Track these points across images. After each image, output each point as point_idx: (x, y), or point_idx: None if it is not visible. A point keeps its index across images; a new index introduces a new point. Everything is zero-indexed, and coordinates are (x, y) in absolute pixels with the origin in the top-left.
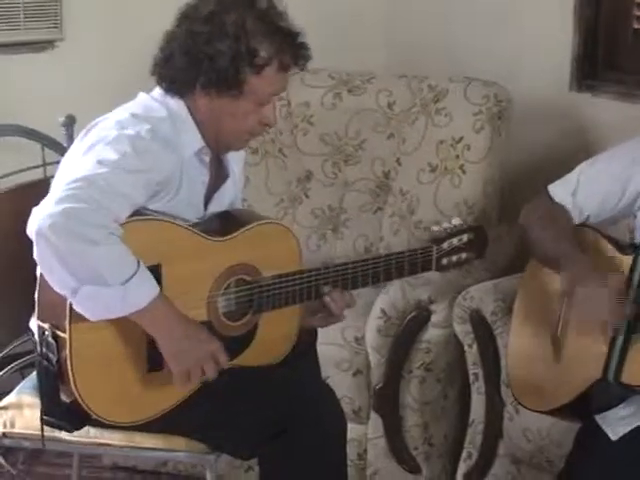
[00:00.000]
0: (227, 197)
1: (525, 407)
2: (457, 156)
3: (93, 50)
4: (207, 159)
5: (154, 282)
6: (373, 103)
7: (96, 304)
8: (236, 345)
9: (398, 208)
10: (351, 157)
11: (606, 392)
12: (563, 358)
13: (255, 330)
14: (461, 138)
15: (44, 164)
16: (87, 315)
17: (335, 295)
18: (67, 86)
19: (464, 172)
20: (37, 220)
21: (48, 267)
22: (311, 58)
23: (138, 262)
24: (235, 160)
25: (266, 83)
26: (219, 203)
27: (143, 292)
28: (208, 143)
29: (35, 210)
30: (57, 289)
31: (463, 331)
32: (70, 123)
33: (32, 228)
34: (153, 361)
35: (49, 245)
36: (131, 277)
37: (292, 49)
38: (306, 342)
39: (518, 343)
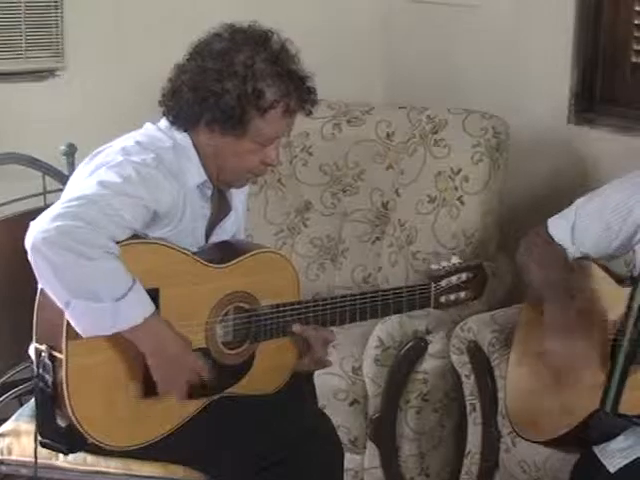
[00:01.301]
0: (229, 231)
1: (523, 438)
2: (455, 187)
3: (94, 79)
4: (209, 193)
5: (149, 301)
6: (372, 134)
7: (87, 319)
8: (233, 373)
9: (396, 238)
10: (350, 187)
11: (604, 423)
12: (562, 389)
13: (252, 359)
14: (460, 170)
15: (44, 192)
16: (78, 330)
17: (309, 331)
18: (68, 115)
19: (462, 203)
20: (32, 234)
21: (44, 279)
22: (317, 103)
23: (134, 279)
24: (238, 194)
25: (270, 125)
26: (220, 237)
27: (136, 310)
28: (210, 178)
29: (32, 224)
30: (55, 301)
31: (460, 362)
32: (71, 152)
33: (27, 242)
34: (149, 386)
35: (43, 258)
36: (125, 294)
37: (299, 94)
38: (303, 371)
39: (517, 374)
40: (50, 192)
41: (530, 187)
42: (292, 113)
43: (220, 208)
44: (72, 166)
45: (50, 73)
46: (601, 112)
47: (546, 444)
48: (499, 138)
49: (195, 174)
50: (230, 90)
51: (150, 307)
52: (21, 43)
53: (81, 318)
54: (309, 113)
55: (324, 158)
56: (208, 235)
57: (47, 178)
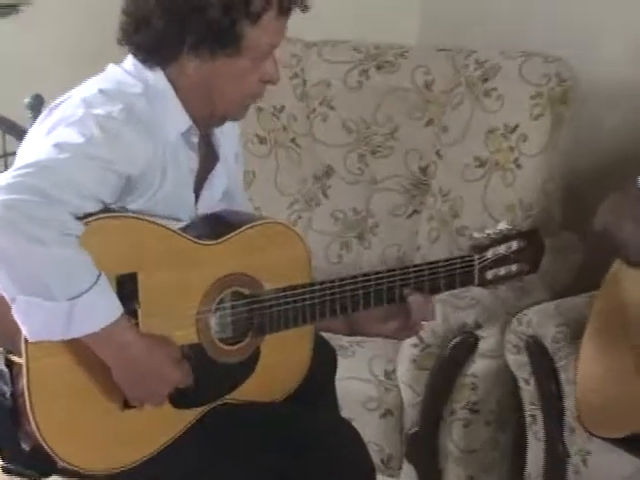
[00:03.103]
0: (218, 186)
1: (594, 435)
2: (511, 148)
3: (64, 15)
4: (195, 140)
5: (115, 304)
6: (408, 82)
7: (35, 319)
8: (234, 375)
9: (438, 211)
10: (380, 149)
11: None
12: None
13: (257, 356)
14: (516, 126)
15: (5, 155)
16: (24, 331)
17: (418, 298)
18: (34, 58)
19: (519, 167)
20: None
21: None
22: None
23: (98, 274)
24: (227, 139)
25: (265, 33)
26: (210, 194)
27: (96, 314)
28: (195, 120)
29: None
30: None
31: (518, 363)
32: (37, 104)
33: None
34: None
35: None
36: (83, 292)
37: None
38: (323, 374)
39: (591, 361)
40: (11, 155)
41: (602, 148)
42: (286, 12)
43: (207, 159)
44: None
45: (12, 8)
46: None
47: (624, 443)
48: (564, 87)
49: (177, 120)
50: (212, 1)
51: (114, 312)
52: None
53: (27, 318)
54: (304, 9)
55: (349, 112)
56: (197, 194)
57: (8, 137)
